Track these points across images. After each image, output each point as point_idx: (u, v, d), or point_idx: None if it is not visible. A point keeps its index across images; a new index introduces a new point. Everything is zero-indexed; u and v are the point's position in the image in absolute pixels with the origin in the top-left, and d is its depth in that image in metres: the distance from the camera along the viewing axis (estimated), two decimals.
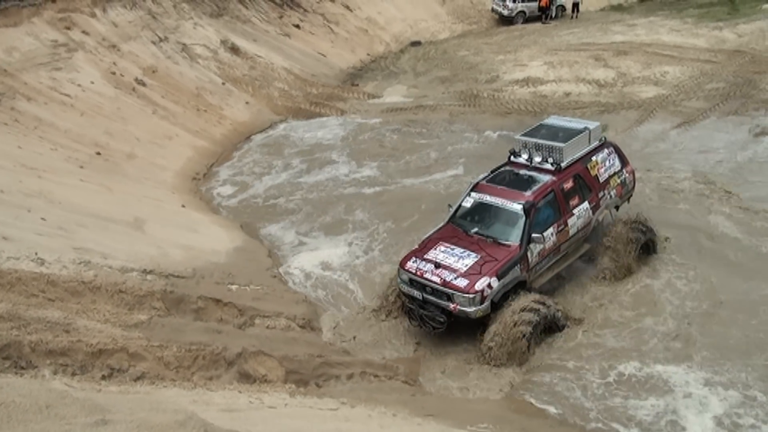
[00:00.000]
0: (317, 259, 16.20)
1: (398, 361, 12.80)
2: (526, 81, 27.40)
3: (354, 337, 13.49)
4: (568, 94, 26.00)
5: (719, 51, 29.12)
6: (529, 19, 38.69)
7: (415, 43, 35.44)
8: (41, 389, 7.59)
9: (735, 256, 15.11)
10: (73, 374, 9.34)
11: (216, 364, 11.05)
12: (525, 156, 14.55)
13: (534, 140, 14.60)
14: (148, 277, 12.78)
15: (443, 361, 12.84)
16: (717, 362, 11.99)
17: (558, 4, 39.23)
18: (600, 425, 10.98)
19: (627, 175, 15.51)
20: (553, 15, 38.94)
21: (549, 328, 12.90)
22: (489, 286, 12.55)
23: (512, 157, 14.83)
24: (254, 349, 11.51)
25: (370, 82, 30.36)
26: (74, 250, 12.58)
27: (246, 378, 11.04)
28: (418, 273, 13.05)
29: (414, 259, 13.39)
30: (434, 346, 13.19)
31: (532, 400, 11.58)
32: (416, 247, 13.91)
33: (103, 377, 9.65)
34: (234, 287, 13.93)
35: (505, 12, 38.77)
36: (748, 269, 14.58)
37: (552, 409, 11.36)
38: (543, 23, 37.99)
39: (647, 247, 14.89)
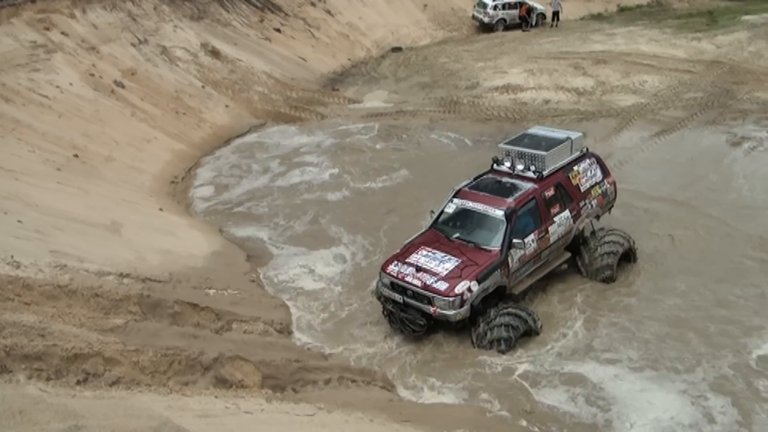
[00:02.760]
0: (295, 262, 16.19)
1: (374, 365, 12.81)
2: (506, 88, 27.55)
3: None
4: (547, 102, 26.16)
5: (698, 61, 29.41)
6: (509, 26, 38.89)
7: (396, 49, 35.51)
8: (15, 394, 7.54)
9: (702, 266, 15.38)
10: (48, 379, 9.25)
11: (192, 369, 10.97)
12: (507, 164, 14.73)
13: (516, 149, 14.76)
14: (125, 281, 12.68)
15: (418, 365, 12.87)
16: (668, 370, 12.24)
17: (538, 12, 39.46)
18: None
19: (608, 185, 15.65)
20: (533, 23, 39.14)
21: (526, 332, 13.12)
22: (469, 289, 12.73)
23: (495, 165, 15.01)
24: (231, 354, 11.44)
25: (350, 87, 30.41)
26: (50, 253, 12.48)
27: (222, 383, 10.96)
28: (400, 276, 13.21)
29: (396, 262, 13.55)
30: (410, 349, 13.22)
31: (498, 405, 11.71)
32: (398, 251, 14.02)
33: (78, 382, 9.55)
34: (211, 292, 13.87)
35: (486, 19, 38.93)
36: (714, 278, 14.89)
37: (516, 414, 11.48)
38: (523, 31, 38.19)
39: (627, 256, 15.11)
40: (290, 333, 13.68)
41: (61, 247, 12.98)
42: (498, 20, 38.85)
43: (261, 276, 15.67)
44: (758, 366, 12.14)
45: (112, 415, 6.99)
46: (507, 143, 15.23)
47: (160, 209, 17.93)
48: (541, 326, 13.29)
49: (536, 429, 11.16)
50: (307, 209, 18.88)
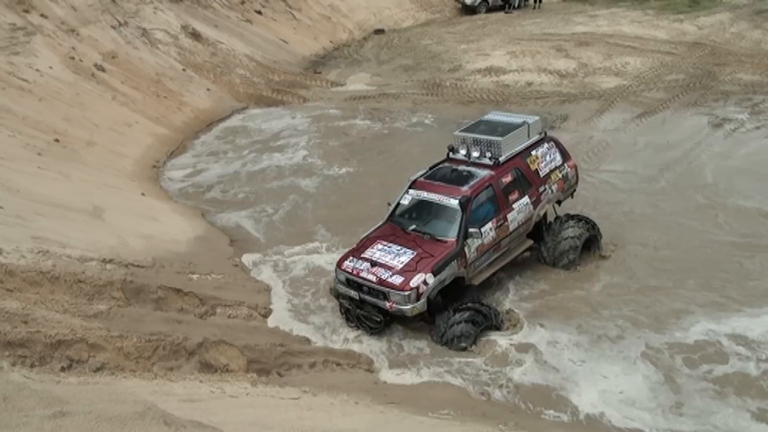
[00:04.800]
0: (278, 247, 16.15)
1: (359, 349, 12.85)
2: (489, 70, 27.55)
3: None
4: (530, 84, 26.18)
5: (680, 43, 29.52)
6: (491, 8, 38.88)
7: (379, 31, 35.40)
8: None
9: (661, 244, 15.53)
10: (32, 366, 9.24)
11: (177, 354, 10.99)
12: (463, 151, 14.40)
13: (472, 135, 14.46)
14: (108, 266, 12.64)
15: (400, 347, 12.89)
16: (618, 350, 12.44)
17: None
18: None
19: (569, 169, 15.33)
20: (516, 5, 39.12)
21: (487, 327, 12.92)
22: (425, 282, 12.45)
23: (451, 153, 14.70)
24: (215, 338, 11.47)
25: (333, 70, 30.30)
26: (32, 239, 12.41)
27: (207, 368, 11.00)
28: (355, 272, 12.93)
29: (351, 258, 13.27)
30: (391, 331, 13.23)
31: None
32: (354, 246, 13.80)
33: (63, 369, 9.56)
34: (195, 276, 13.84)
35: (469, 1, 38.89)
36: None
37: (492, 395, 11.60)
38: (506, 13, 38.15)
39: (590, 242, 14.88)
40: (271, 317, 13.69)
41: (43, 233, 12.91)
42: (480, 2, 38.82)
43: (244, 260, 15.62)
44: (695, 345, 12.31)
45: (97, 400, 7.00)
46: (462, 130, 14.90)
47: (142, 194, 17.84)
48: (501, 320, 13.05)
49: (520, 404, 11.28)
50: (288, 194, 18.85)
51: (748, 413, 10.77)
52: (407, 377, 12.07)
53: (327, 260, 15.40)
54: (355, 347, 12.84)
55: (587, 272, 14.66)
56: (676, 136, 20.99)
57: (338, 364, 12.13)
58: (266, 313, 13.54)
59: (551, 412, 11.11)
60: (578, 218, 14.94)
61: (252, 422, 8.63)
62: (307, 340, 12.93)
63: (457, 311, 12.63)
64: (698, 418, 10.74)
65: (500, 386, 11.68)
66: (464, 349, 12.43)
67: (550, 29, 32.73)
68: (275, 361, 11.66)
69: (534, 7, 39.04)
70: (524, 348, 12.49)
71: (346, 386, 11.06)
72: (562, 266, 14.56)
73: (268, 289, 14.42)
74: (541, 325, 13.00)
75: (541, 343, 12.58)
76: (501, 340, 12.68)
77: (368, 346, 12.89)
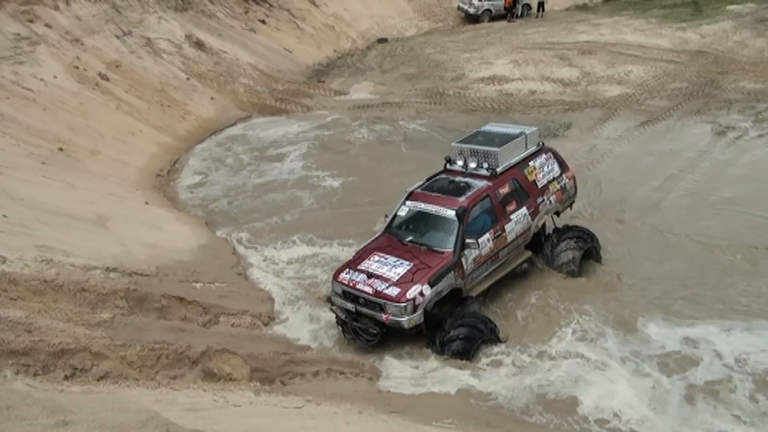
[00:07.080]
0: (281, 256, 16.13)
1: (363, 357, 12.81)
2: (492, 79, 27.61)
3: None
4: (533, 93, 26.21)
5: (682, 51, 29.57)
6: (494, 17, 38.98)
7: (382, 40, 35.50)
8: (2, 390, 7.51)
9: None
10: (36, 374, 9.23)
11: (180, 363, 10.97)
12: (460, 162, 14.30)
13: (469, 146, 14.38)
14: (111, 275, 12.65)
15: (403, 358, 12.85)
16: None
17: (524, 2, 39.57)
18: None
19: (567, 180, 15.21)
20: (519, 14, 39.22)
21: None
22: (421, 293, 12.32)
23: (448, 165, 14.61)
24: (219, 347, 11.43)
25: (336, 79, 30.40)
26: (36, 248, 12.43)
27: (210, 376, 10.97)
28: (351, 284, 12.80)
29: (347, 270, 13.15)
30: (396, 340, 13.17)
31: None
32: (351, 258, 13.72)
33: (66, 377, 9.54)
34: (198, 285, 13.83)
35: (471, 10, 39.00)
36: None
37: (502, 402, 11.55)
38: (508, 22, 38.22)
39: (589, 253, 14.77)
40: (273, 326, 13.67)
41: (46, 242, 12.93)
42: (483, 11, 38.92)
43: (247, 269, 15.60)
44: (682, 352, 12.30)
45: (100, 409, 6.99)
46: (459, 141, 14.81)
47: (146, 202, 17.86)
48: (498, 333, 12.86)
49: (523, 412, 11.23)
50: (290, 203, 18.88)
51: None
52: (411, 386, 12.04)
53: (329, 269, 15.35)
54: (358, 356, 12.82)
55: (582, 281, 14.58)
56: (679, 144, 20.99)
57: (341, 373, 12.08)
58: (269, 322, 13.54)
59: (552, 419, 11.07)
60: (577, 229, 14.89)
61: (255, 431, 8.62)
62: (310, 349, 12.92)
63: (453, 328, 12.49)
64: (684, 423, 10.77)
65: (502, 395, 11.65)
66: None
67: (553, 38, 32.83)
68: (278, 370, 11.62)
69: (537, 16, 39.14)
70: (522, 356, 12.47)
71: (349, 395, 11.01)
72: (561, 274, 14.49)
73: (271, 298, 14.41)
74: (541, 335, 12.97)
75: (538, 351, 12.54)
76: (498, 350, 12.64)
77: (371, 354, 12.88)
